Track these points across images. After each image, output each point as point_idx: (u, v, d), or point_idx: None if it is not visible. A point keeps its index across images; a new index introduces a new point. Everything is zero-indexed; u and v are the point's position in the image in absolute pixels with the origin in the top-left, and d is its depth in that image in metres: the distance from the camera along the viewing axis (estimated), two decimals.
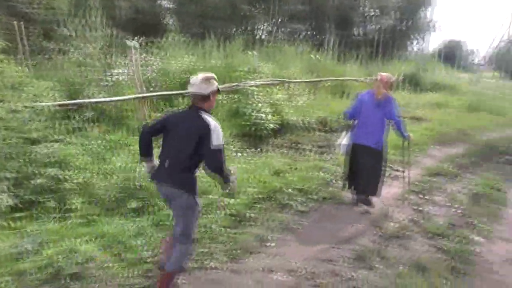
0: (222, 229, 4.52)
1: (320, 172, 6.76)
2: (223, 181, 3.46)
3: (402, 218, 5.39)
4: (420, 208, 5.80)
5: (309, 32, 31.59)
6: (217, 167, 3.37)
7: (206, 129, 3.23)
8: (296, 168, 6.79)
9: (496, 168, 8.45)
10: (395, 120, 5.54)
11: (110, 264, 3.64)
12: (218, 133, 3.28)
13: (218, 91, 3.53)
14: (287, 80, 11.60)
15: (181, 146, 3.32)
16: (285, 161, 7.09)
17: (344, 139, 5.80)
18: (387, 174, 6.44)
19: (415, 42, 41.48)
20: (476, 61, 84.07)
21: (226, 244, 4.24)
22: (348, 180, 5.84)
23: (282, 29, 28.28)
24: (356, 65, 18.32)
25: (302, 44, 17.42)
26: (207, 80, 3.38)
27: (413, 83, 19.28)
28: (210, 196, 5.14)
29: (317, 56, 14.04)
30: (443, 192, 6.63)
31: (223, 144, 3.35)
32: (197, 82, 3.36)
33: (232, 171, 3.52)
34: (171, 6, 25.23)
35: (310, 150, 8.20)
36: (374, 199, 5.65)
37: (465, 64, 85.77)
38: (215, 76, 3.52)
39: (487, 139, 11.46)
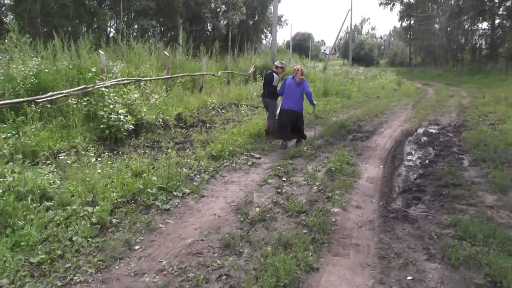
0: (86, 239, 4.26)
1: (183, 168, 6.73)
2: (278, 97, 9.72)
3: (265, 201, 5.61)
4: (282, 190, 6.09)
5: (162, 29, 31.21)
6: (274, 92, 9.63)
7: (272, 78, 9.72)
8: (154, 167, 6.63)
9: (347, 145, 9.25)
10: (308, 93, 8.99)
11: None
12: (276, 79, 9.71)
13: (283, 67, 9.97)
14: (139, 78, 11.33)
15: (268, 85, 9.77)
16: (145, 161, 6.89)
17: (278, 109, 9.37)
18: None
19: (267, 36, 43.93)
20: (327, 51, 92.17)
21: (92, 255, 4.01)
22: (277, 133, 9.08)
23: (134, 26, 27.47)
24: (210, 60, 18.61)
25: (154, 41, 17.06)
26: (279, 62, 10.12)
27: None
28: (69, 207, 4.83)
29: (165, 52, 13.88)
30: (303, 172, 7.05)
31: (277, 85, 9.70)
32: (276, 62, 10.21)
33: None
34: (6, 2, 22.76)
35: (169, 148, 8.11)
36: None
37: (317, 54, 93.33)
38: (283, 61, 10.55)
39: (337, 120, 12.60)
